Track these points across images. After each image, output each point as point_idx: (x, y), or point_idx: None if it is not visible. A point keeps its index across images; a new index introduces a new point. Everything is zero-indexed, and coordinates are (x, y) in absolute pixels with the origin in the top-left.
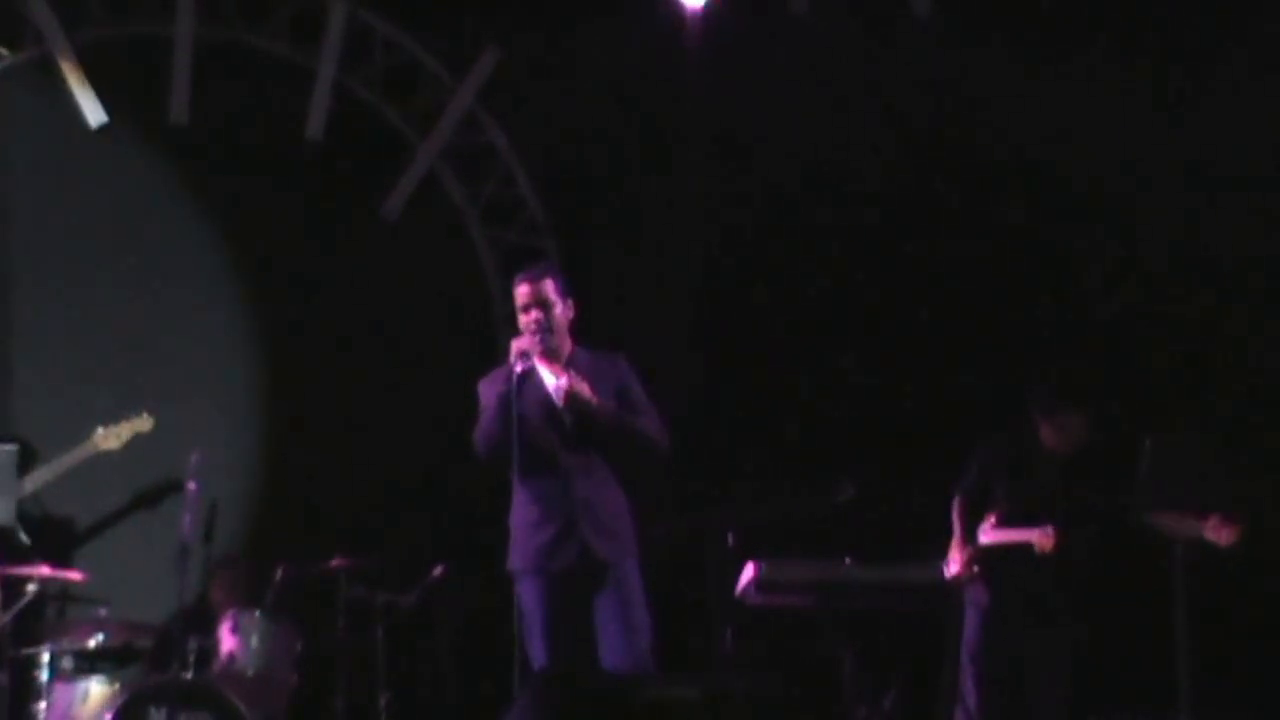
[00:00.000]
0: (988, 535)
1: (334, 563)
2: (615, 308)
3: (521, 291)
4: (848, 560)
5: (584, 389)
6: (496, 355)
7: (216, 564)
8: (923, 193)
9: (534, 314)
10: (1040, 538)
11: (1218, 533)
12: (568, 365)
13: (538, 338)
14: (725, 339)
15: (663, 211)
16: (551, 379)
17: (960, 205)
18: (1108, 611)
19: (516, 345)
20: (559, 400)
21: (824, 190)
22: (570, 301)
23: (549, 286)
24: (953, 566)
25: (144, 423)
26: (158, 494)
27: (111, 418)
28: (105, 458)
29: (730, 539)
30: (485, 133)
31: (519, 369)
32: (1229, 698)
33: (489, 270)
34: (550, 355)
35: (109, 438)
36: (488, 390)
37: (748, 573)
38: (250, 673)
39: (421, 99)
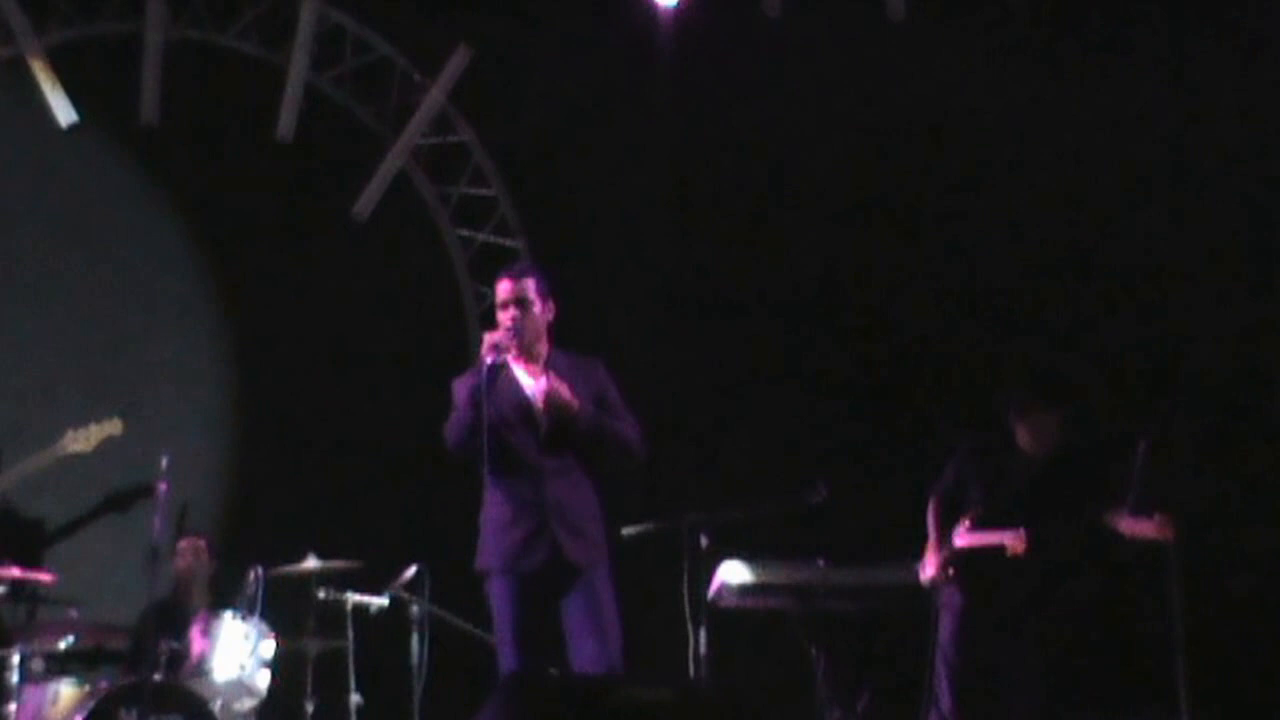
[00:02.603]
0: (962, 538)
1: (305, 564)
2: (586, 308)
3: (501, 287)
4: (822, 562)
5: (564, 391)
6: (468, 355)
7: (181, 536)
8: (897, 195)
9: (511, 311)
10: (1012, 540)
11: (1162, 532)
12: (546, 367)
13: (511, 333)
14: (698, 340)
15: (635, 212)
16: (529, 380)
17: (936, 207)
18: (1103, 613)
19: (489, 338)
20: (538, 402)
21: (797, 192)
22: (550, 303)
23: (529, 285)
24: (928, 568)
25: (114, 426)
26: (128, 497)
27: (81, 419)
28: (75, 459)
29: (703, 540)
30: (457, 132)
31: (489, 361)
32: (1227, 699)
33: (460, 270)
34: (528, 356)
35: (78, 440)
36: (461, 387)
37: (721, 575)
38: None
39: (392, 98)
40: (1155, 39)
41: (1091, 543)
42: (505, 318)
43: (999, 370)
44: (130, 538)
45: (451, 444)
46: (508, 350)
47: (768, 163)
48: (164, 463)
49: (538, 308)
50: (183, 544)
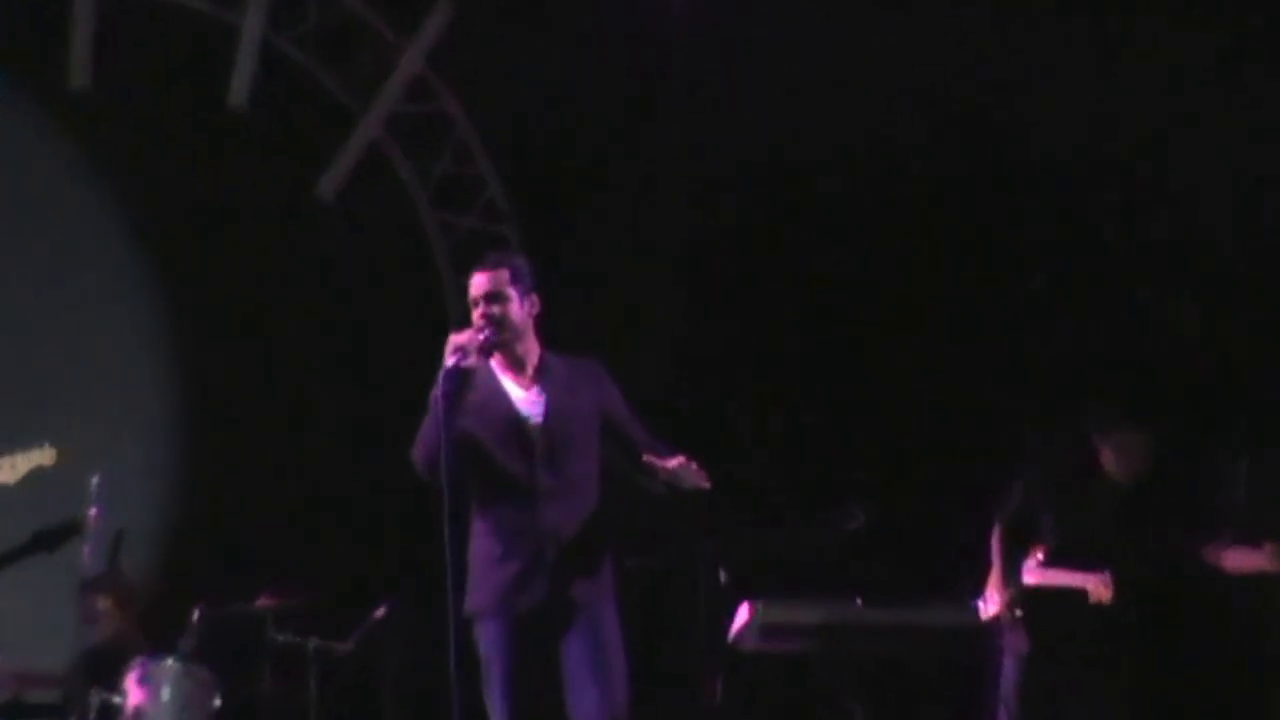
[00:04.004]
0: (1033, 574)
1: (259, 602)
2: (586, 306)
3: (474, 281)
4: (859, 600)
5: (691, 473)
6: None
7: (93, 584)
8: (938, 176)
9: (484, 308)
10: (1097, 586)
11: (1273, 563)
12: (538, 372)
13: (482, 335)
14: (713, 343)
15: (642, 195)
16: (517, 391)
17: (983, 192)
18: (1195, 663)
19: (453, 339)
20: (535, 417)
21: (825, 173)
22: (534, 298)
23: (505, 276)
24: (990, 606)
25: (45, 455)
26: (59, 534)
27: (6, 445)
28: None
29: (722, 574)
30: (437, 101)
31: (450, 364)
32: None
33: (441, 261)
34: (512, 361)
35: (2, 470)
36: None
37: (743, 614)
38: None
39: (363, 62)
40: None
41: (1186, 581)
42: (478, 316)
43: (1079, 378)
44: (58, 572)
45: (419, 466)
46: (475, 353)
47: (794, 137)
48: (95, 484)
49: (516, 303)
50: (100, 604)
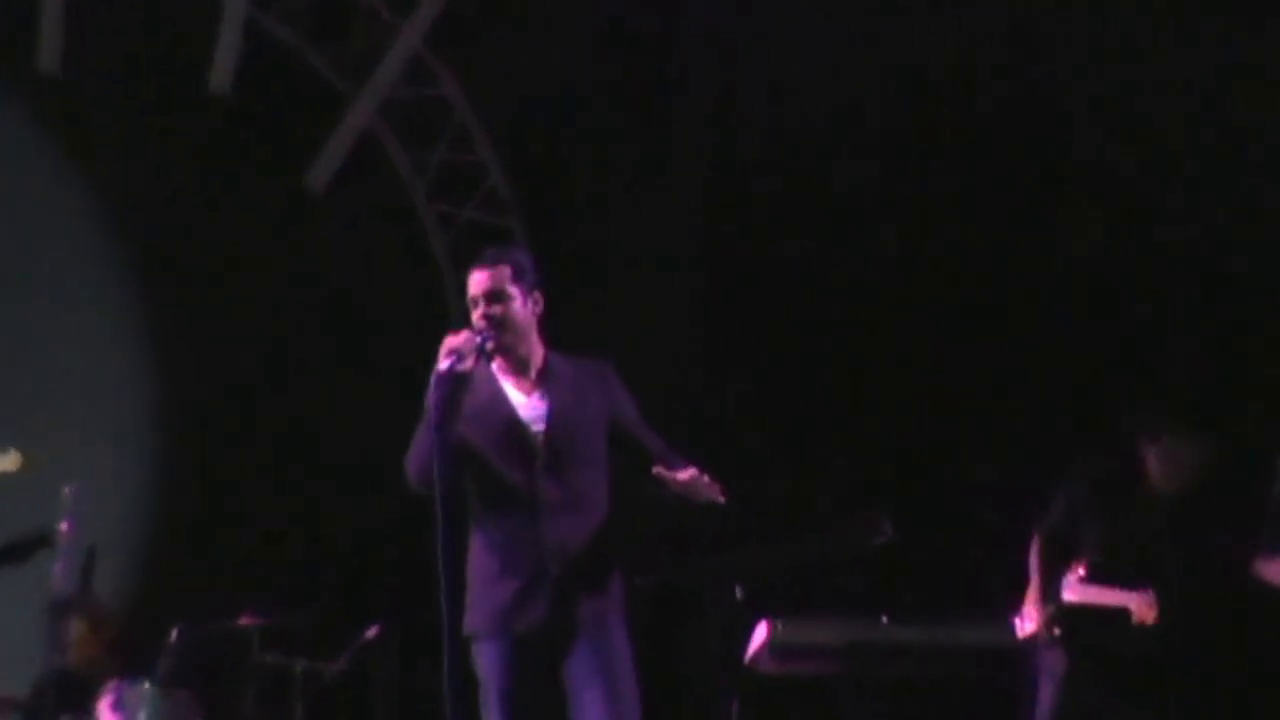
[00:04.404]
0: (1073, 590)
1: (242, 621)
2: (592, 303)
3: (473, 280)
4: (885, 618)
5: (704, 488)
6: None
7: (64, 607)
8: (963, 162)
9: (483, 308)
10: (1140, 605)
11: None
12: (542, 375)
13: (479, 338)
14: (728, 341)
15: (653, 183)
16: (519, 396)
17: (1011, 179)
18: (1244, 687)
19: (448, 342)
20: (536, 424)
21: (848, 157)
22: (537, 296)
23: (506, 274)
24: (1028, 624)
25: (10, 460)
26: (26, 546)
27: None
28: None
29: (738, 592)
30: (435, 84)
31: (444, 367)
32: None
33: (440, 255)
34: (515, 365)
35: None
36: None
37: (760, 634)
38: None
39: (356, 42)
40: None
41: (1235, 598)
42: (477, 316)
43: (1124, 376)
44: (24, 588)
45: (412, 476)
46: (471, 356)
47: (813, 119)
48: (68, 495)
49: (518, 302)
50: (73, 629)
